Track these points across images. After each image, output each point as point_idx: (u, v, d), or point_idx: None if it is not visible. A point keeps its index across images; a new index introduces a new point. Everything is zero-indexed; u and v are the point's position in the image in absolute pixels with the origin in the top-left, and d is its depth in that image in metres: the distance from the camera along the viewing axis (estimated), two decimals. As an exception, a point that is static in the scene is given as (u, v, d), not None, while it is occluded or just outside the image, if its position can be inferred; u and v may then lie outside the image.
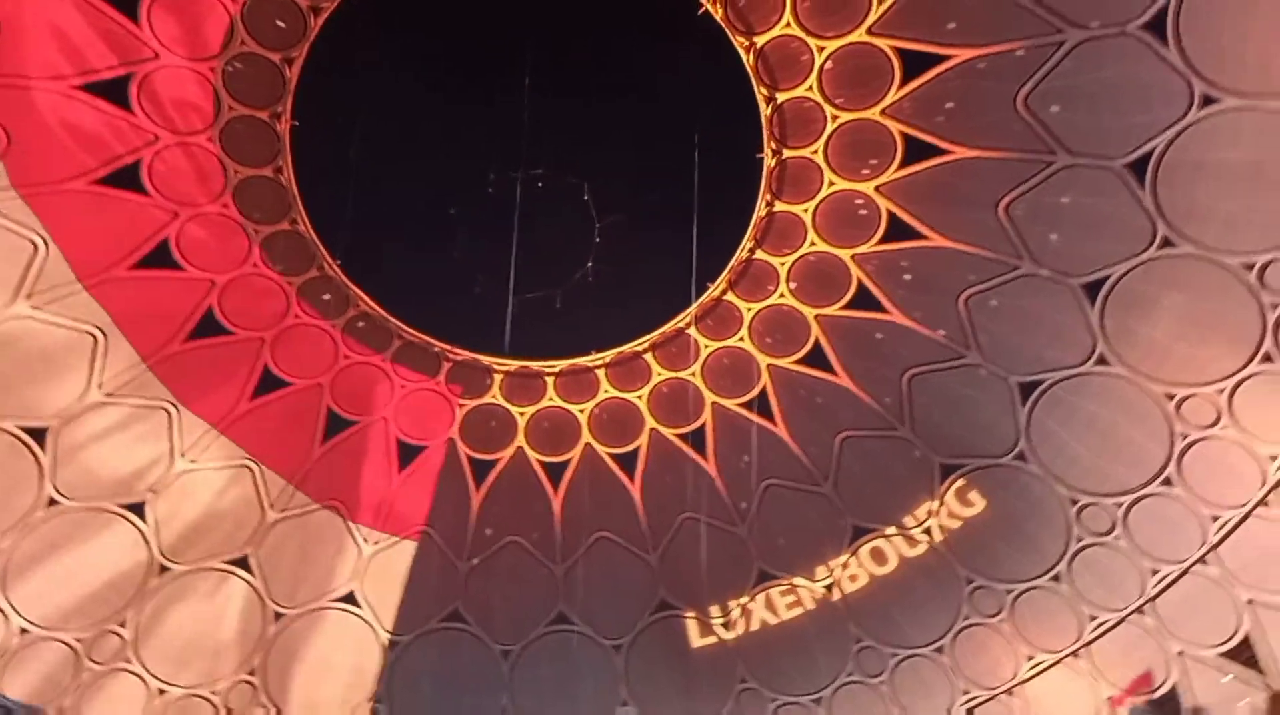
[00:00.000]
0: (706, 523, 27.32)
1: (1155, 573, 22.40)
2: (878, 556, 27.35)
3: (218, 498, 25.03)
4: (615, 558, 28.55)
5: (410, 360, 27.57)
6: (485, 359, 28.02)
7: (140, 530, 23.46)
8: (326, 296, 25.97)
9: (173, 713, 23.73)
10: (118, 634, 23.24)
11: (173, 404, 23.91)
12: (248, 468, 25.45)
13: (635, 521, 28.68)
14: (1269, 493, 20.19)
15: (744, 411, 27.86)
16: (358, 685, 26.57)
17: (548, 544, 28.53)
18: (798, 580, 28.16)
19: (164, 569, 23.90)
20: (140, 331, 23.19)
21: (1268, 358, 19.61)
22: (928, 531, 26.42)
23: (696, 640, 28.46)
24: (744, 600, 28.37)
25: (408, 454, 27.91)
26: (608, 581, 28.20)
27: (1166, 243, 19.97)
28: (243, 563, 25.19)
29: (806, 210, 24.71)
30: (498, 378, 28.43)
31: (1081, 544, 23.60)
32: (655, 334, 28.05)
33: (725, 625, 28.40)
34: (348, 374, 26.94)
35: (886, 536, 27.16)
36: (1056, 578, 24.19)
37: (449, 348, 27.65)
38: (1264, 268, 19.07)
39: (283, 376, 26.08)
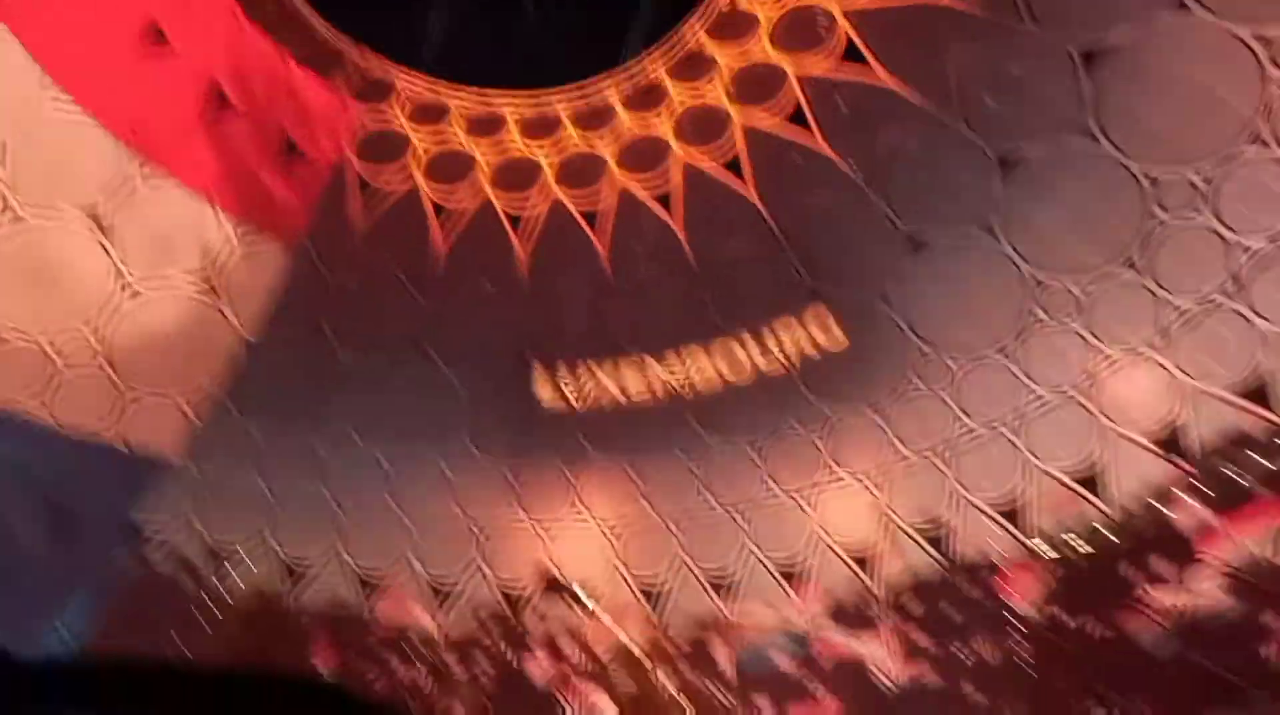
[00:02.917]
0: (585, 292, 27.91)
1: (971, 424, 25.44)
2: (731, 360, 29.08)
3: (77, 148, 22.77)
4: (487, 304, 28.76)
5: (314, 55, 25.36)
6: (396, 71, 26.25)
7: (-13, 164, 21.17)
8: (234, -45, 23.15)
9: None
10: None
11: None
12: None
13: (515, 275, 28.78)
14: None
15: (649, 200, 27.97)
16: (202, 374, 26.05)
17: (421, 277, 28.26)
18: (649, 360, 29.50)
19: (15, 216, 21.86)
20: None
21: (1131, 264, 21.79)
22: (782, 349, 28.29)
23: (545, 398, 29.65)
24: (598, 371, 29.59)
25: (294, 155, 26.20)
26: (475, 325, 28.52)
27: (1088, 135, 21.25)
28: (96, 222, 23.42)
29: (769, 16, 24.10)
30: (405, 98, 26.81)
31: (916, 391, 26.15)
32: (575, 93, 27.13)
33: (576, 394, 29.66)
34: (241, 50, 24.50)
35: (741, 342, 28.78)
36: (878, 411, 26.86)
37: (358, 47, 25.61)
38: (1158, 181, 20.78)
39: (165, 33, 23.35)
